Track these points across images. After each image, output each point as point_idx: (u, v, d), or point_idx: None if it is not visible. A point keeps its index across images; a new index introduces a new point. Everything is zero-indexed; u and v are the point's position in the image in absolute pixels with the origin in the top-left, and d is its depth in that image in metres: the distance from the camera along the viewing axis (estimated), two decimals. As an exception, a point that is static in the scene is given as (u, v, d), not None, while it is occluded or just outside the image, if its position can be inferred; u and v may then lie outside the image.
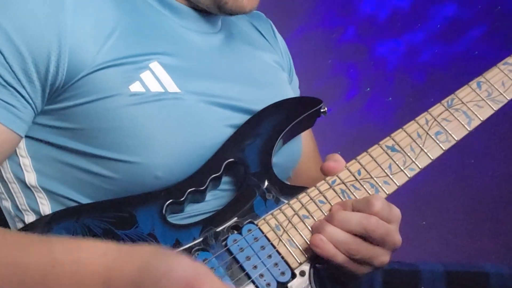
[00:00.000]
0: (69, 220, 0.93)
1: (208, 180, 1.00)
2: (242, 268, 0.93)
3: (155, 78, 1.00)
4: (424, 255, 2.50)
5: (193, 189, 0.99)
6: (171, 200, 0.97)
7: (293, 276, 0.94)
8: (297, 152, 1.20)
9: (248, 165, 1.02)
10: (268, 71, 1.24)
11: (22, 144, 1.00)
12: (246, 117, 1.08)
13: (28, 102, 0.95)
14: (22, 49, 0.93)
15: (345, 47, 3.10)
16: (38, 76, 0.94)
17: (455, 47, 3.05)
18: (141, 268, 0.80)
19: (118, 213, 0.95)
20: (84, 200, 1.00)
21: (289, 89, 1.28)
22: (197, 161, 1.01)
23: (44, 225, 0.94)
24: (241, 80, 1.14)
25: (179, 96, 1.01)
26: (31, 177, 1.01)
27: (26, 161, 1.01)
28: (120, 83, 0.97)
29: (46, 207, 1.01)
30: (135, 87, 0.98)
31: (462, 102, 1.10)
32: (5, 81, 0.93)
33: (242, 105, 1.10)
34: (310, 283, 0.95)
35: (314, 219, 0.98)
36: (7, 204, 1.04)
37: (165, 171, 0.97)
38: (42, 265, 0.82)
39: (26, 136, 1.00)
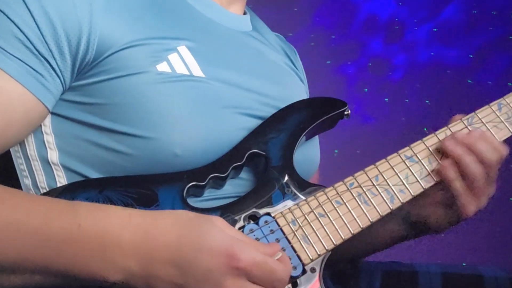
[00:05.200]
0: (93, 190, 0.95)
1: (230, 168, 1.02)
2: (255, 258, 0.95)
3: (181, 61, 1.02)
4: (421, 256, 2.55)
5: (215, 175, 1.01)
6: (193, 183, 0.99)
7: (304, 272, 0.97)
8: (315, 157, 1.23)
9: (270, 158, 1.04)
10: (290, 76, 1.29)
11: (48, 121, 1.02)
12: (265, 109, 1.11)
13: (57, 74, 0.97)
14: (56, 22, 0.95)
15: (343, 49, 3.13)
16: (70, 50, 0.96)
17: (451, 50, 3.09)
18: (180, 238, 0.83)
19: (141, 190, 0.96)
20: None
21: (307, 96, 1.32)
22: (215, 144, 1.03)
23: (68, 192, 0.95)
24: (264, 76, 1.17)
25: (203, 80, 1.04)
26: (53, 155, 1.02)
27: (50, 138, 1.02)
28: (148, 61, 0.99)
29: None
30: (162, 66, 1.00)
31: (482, 122, 1.13)
32: (37, 50, 0.94)
33: (262, 98, 1.13)
34: (319, 280, 0.97)
35: (329, 219, 1.00)
36: (28, 181, 1.05)
37: (184, 150, 0.99)
38: (66, 229, 0.85)
39: (53, 114, 1.01)
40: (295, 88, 1.29)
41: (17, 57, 0.93)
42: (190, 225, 0.86)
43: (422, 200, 1.13)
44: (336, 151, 2.70)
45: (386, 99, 3.13)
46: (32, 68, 0.94)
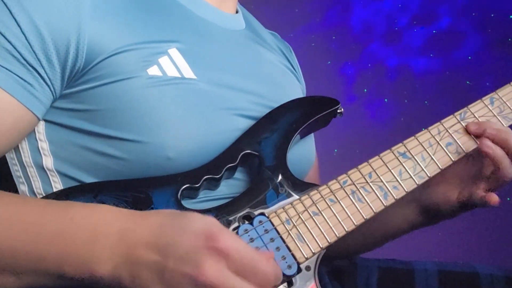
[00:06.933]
0: (87, 195, 0.96)
1: (224, 169, 1.02)
2: (250, 258, 0.95)
3: (172, 64, 1.03)
4: (418, 254, 2.54)
5: (209, 176, 1.01)
6: (187, 185, 0.99)
7: (299, 270, 0.97)
8: (310, 155, 1.23)
9: (263, 158, 1.04)
10: (286, 76, 1.30)
11: (42, 128, 1.03)
12: (259, 110, 1.11)
13: (46, 83, 0.97)
14: (44, 31, 0.95)
15: (344, 49, 3.14)
16: (58, 58, 0.96)
17: (449, 52, 3.10)
18: (160, 224, 0.85)
19: (135, 193, 0.97)
20: None
21: (303, 96, 1.32)
22: (208, 146, 1.03)
23: (63, 197, 0.96)
24: (258, 76, 1.17)
25: (195, 82, 1.04)
26: (48, 161, 1.03)
27: (44, 145, 1.03)
28: (138, 66, 1.00)
29: None
30: (153, 70, 1.00)
31: (474, 116, 1.13)
32: (25, 60, 0.95)
33: (257, 99, 1.13)
34: (315, 278, 0.97)
35: (323, 217, 1.00)
36: (24, 188, 1.05)
37: (177, 153, 0.99)
38: (58, 222, 0.87)
39: (46, 121, 1.02)
40: (291, 88, 1.29)
41: (4, 67, 0.94)
42: (173, 214, 0.87)
43: (433, 184, 1.15)
44: (336, 150, 2.70)
45: (386, 100, 3.14)
46: (20, 78, 0.95)
